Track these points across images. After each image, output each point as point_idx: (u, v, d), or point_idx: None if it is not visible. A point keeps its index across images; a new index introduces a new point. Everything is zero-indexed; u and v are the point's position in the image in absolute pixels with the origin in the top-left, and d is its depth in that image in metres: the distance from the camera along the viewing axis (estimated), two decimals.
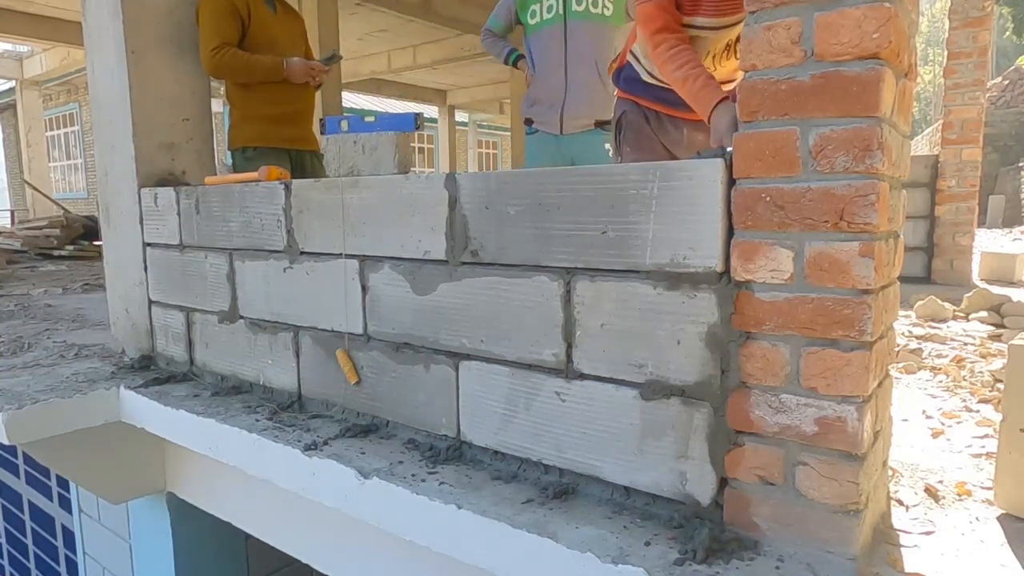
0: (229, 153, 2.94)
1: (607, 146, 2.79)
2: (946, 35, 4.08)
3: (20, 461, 3.55)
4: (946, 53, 4.06)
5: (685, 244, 1.11)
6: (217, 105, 13.46)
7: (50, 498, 3.35)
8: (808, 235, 1.00)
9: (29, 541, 3.72)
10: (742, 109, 1.05)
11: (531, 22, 2.74)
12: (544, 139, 2.88)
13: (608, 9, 2.63)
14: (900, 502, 1.22)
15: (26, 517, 3.68)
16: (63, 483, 3.16)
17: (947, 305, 2.99)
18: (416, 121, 1.69)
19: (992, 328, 2.74)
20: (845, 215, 0.97)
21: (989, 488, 1.26)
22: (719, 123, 1.65)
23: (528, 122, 2.92)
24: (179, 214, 2.06)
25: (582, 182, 1.21)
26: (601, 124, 2.79)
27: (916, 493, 1.26)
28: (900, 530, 1.13)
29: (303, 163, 2.96)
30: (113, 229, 2.34)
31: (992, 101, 13.49)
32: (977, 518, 1.17)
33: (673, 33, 1.77)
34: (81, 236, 6.36)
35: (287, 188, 1.73)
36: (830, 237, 0.98)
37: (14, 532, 3.88)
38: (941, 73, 4.31)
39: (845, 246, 0.97)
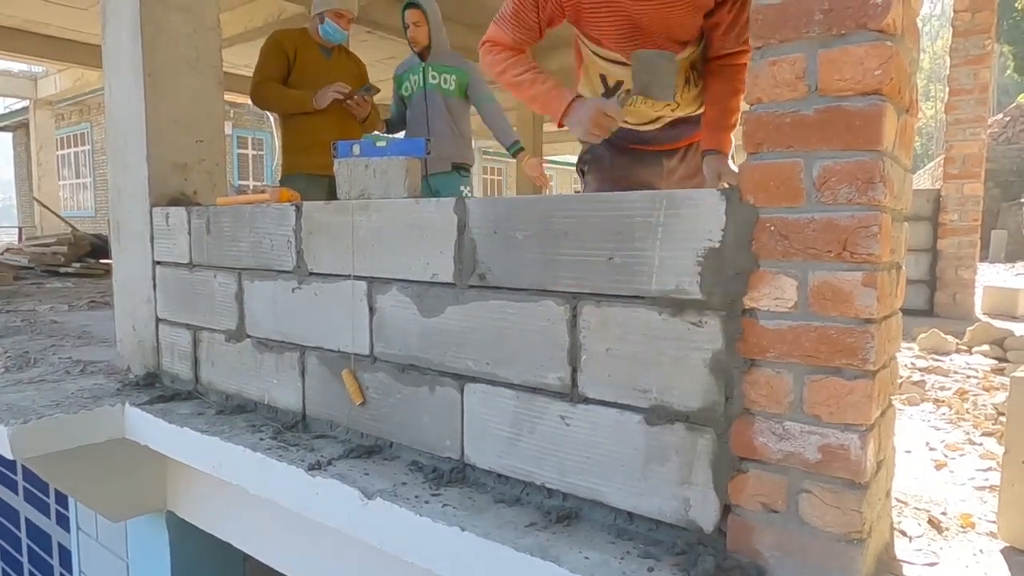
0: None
1: (462, 188, 3.73)
2: (947, 72, 4.14)
3: (19, 478, 3.54)
4: (947, 90, 4.12)
5: (690, 271, 1.13)
6: (227, 127, 13.66)
7: (48, 515, 3.33)
8: (812, 264, 1.02)
9: (24, 559, 3.69)
10: (747, 141, 1.08)
11: (405, 94, 3.74)
12: None
13: (451, 86, 3.63)
14: (903, 533, 1.22)
15: (22, 534, 3.66)
16: (61, 500, 3.15)
17: (950, 338, 3.00)
18: (426, 146, 1.72)
19: (995, 361, 2.75)
20: (848, 245, 0.99)
21: (993, 521, 1.26)
22: (577, 116, 1.79)
23: None
24: (190, 233, 2.09)
25: (589, 209, 1.24)
26: (457, 167, 3.71)
27: (920, 524, 1.26)
28: (904, 561, 1.12)
29: (334, 187, 3.14)
30: (123, 247, 2.37)
31: (994, 137, 13.60)
32: (981, 550, 1.17)
33: (509, 48, 1.91)
34: (88, 254, 6.41)
35: (298, 210, 1.75)
36: (833, 267, 1.00)
37: (9, 550, 3.85)
38: (943, 109, 4.37)
39: (848, 276, 0.99)
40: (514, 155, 3.76)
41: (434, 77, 3.62)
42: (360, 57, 3.72)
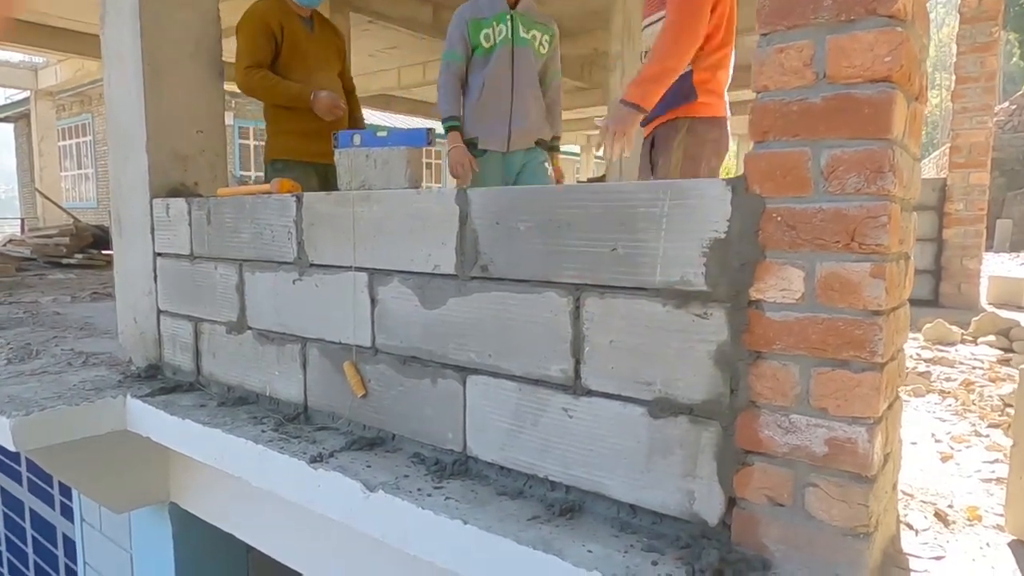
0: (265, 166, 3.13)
1: (546, 164, 3.02)
2: (954, 60, 4.10)
3: (23, 469, 3.55)
4: (954, 78, 4.08)
5: (695, 262, 1.11)
6: (228, 118, 13.61)
7: (52, 506, 3.34)
8: (819, 255, 1.00)
9: (29, 549, 3.71)
10: (753, 130, 1.06)
11: (485, 45, 2.86)
12: (491, 158, 2.95)
13: (545, 48, 2.93)
14: (909, 526, 1.21)
15: (27, 525, 3.67)
16: (65, 491, 3.16)
17: (955, 328, 2.98)
18: (428, 136, 1.71)
19: (1000, 352, 2.73)
20: (856, 236, 0.97)
21: (1000, 514, 1.25)
22: None
23: (473, 143, 2.95)
24: (190, 224, 2.08)
25: (593, 199, 1.22)
26: (539, 143, 2.99)
27: (926, 517, 1.25)
28: (910, 554, 1.12)
29: (328, 176, 3.05)
30: (124, 238, 2.36)
31: (1000, 126, 13.50)
32: (987, 544, 1.16)
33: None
34: (90, 245, 6.40)
35: (299, 201, 1.74)
36: (841, 258, 0.98)
37: (15, 540, 3.87)
38: (948, 97, 4.33)
39: (856, 267, 0.97)
40: (550, 149, 3.09)
41: (526, 31, 2.87)
42: (361, 47, 3.60)
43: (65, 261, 6.12)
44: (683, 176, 2.19)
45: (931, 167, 13.59)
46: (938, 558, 1.11)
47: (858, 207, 0.97)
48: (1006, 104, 14.37)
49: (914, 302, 1.21)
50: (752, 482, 1.07)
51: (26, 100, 13.01)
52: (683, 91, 2.12)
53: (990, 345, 2.85)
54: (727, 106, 2.26)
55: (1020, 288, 4.19)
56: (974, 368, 2.45)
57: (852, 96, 0.97)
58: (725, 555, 1.05)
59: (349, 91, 3.31)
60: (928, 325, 3.00)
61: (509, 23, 2.85)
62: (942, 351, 2.74)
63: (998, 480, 1.41)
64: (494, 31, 2.86)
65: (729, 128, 2.30)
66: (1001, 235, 11.80)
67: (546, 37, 2.94)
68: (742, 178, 1.07)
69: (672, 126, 2.18)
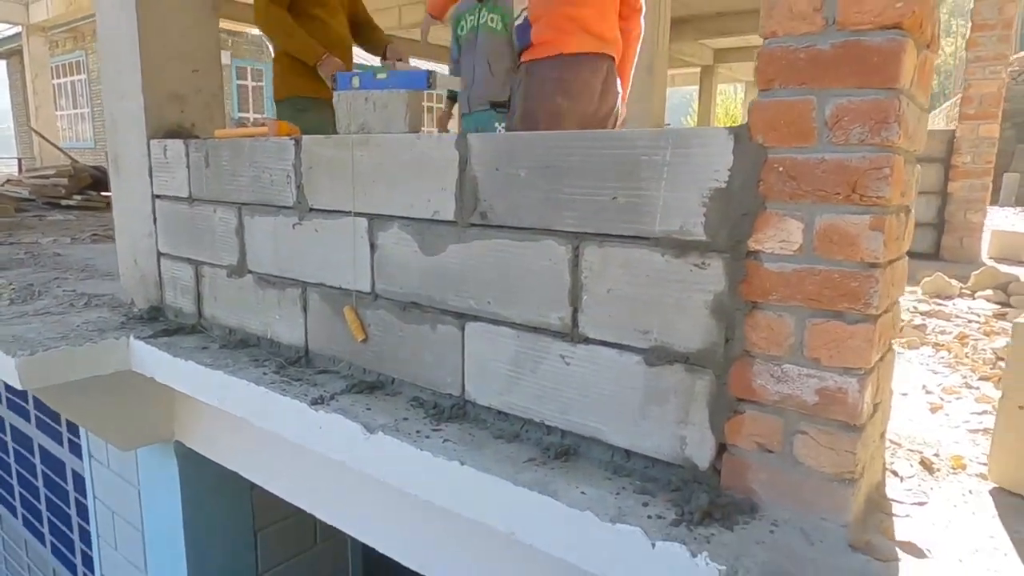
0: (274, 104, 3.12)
1: (497, 124, 3.59)
2: (972, 5, 3.98)
3: (31, 407, 3.62)
4: (970, 24, 3.97)
5: (695, 212, 1.11)
6: (225, 57, 13.28)
7: (60, 443, 3.42)
8: (819, 207, 1.00)
9: (40, 484, 3.82)
10: (759, 77, 1.04)
11: (460, 33, 3.62)
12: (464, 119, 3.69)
13: (498, 26, 3.47)
14: (895, 473, 1.24)
15: (37, 460, 3.77)
16: (73, 429, 3.23)
17: (954, 282, 2.98)
18: (428, 79, 1.67)
19: (997, 306, 2.74)
20: (858, 188, 0.96)
21: (984, 463, 1.28)
22: None
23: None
24: (188, 167, 2.06)
25: (594, 147, 1.21)
26: (494, 105, 3.53)
27: (911, 465, 1.28)
28: (893, 500, 1.15)
29: None
30: (122, 180, 2.34)
31: (1012, 76, 13.18)
32: (970, 491, 1.19)
33: None
34: (89, 186, 6.35)
35: (297, 144, 1.72)
36: (841, 210, 0.98)
37: (26, 475, 3.97)
38: (963, 45, 4.21)
39: (856, 219, 0.97)
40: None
41: (483, 17, 3.49)
42: None
43: (64, 202, 6.08)
44: (523, 116, 2.32)
45: (941, 118, 13.34)
46: (921, 504, 1.14)
47: (861, 158, 0.96)
48: (1021, 54, 14.00)
49: (915, 255, 1.21)
50: (743, 429, 1.10)
51: (18, 36, 12.67)
52: (524, 39, 2.26)
53: (987, 299, 2.86)
54: (598, 42, 2.28)
55: (1022, 243, 4.17)
56: (970, 322, 2.46)
57: (861, 43, 0.95)
58: (714, 498, 1.09)
59: (369, 24, 3.39)
60: (927, 279, 3.00)
61: (477, 13, 3.48)
62: (939, 304, 2.75)
63: (985, 431, 1.44)
64: (467, 22, 3.54)
65: (601, 66, 2.34)
66: (1007, 189, 11.67)
67: (498, 16, 3.45)
68: (745, 127, 1.06)
69: (518, 72, 2.35)
